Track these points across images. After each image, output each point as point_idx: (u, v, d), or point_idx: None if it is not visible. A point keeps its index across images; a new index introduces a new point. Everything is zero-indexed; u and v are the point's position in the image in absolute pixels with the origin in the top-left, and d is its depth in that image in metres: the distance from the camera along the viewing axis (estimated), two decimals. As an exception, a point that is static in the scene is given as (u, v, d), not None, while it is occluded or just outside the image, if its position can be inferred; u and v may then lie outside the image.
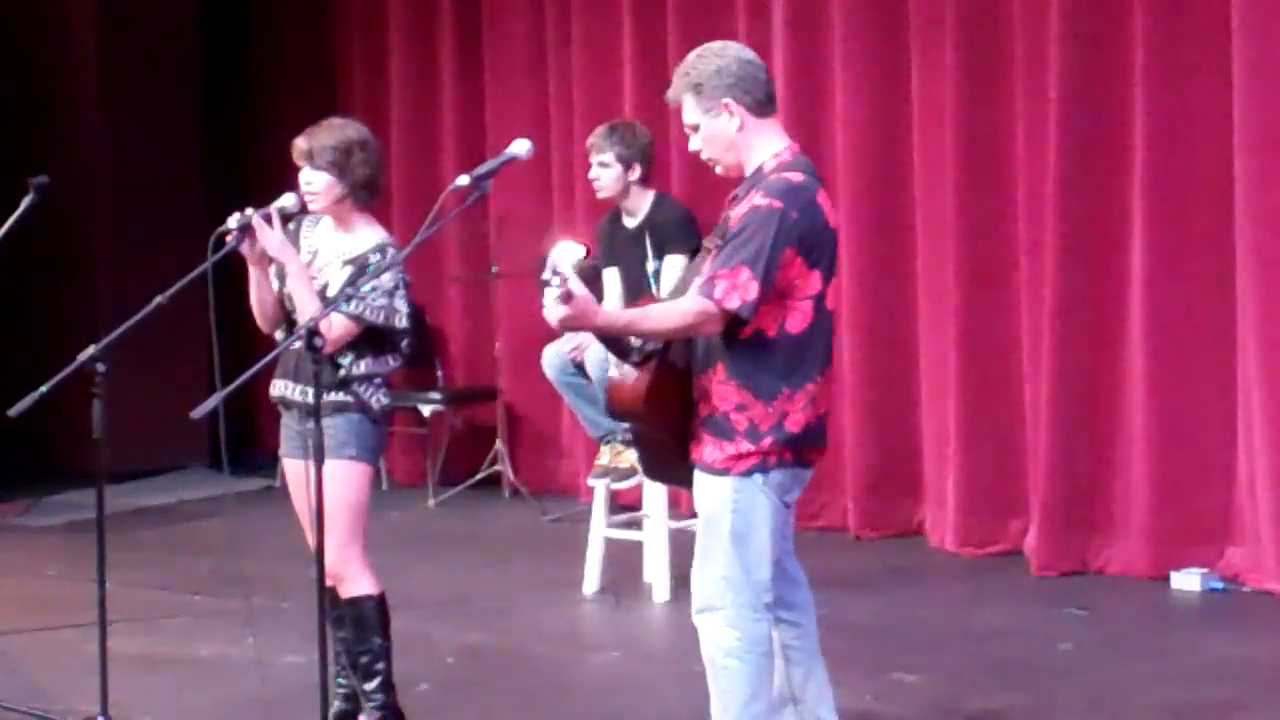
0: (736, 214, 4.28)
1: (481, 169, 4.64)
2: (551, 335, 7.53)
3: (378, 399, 5.08)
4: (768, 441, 4.27)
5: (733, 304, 4.16)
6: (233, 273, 5.11)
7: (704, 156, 4.44)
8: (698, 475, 4.39)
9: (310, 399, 4.90)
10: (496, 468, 9.33)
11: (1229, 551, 7.05)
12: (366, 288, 4.95)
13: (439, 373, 9.75)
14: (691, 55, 4.42)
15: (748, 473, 4.29)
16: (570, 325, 4.19)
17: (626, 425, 4.69)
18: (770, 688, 4.45)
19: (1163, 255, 7.10)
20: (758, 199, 4.24)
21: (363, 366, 5.05)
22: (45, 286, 10.21)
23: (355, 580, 5.09)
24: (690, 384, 4.37)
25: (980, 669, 6.05)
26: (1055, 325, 7.29)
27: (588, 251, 4.20)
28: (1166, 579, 7.05)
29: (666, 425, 4.40)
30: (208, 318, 4.96)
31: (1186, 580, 6.99)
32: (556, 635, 6.70)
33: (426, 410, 9.33)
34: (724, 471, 4.30)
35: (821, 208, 4.31)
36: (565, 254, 4.07)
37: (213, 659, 6.35)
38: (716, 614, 4.36)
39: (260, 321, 5.16)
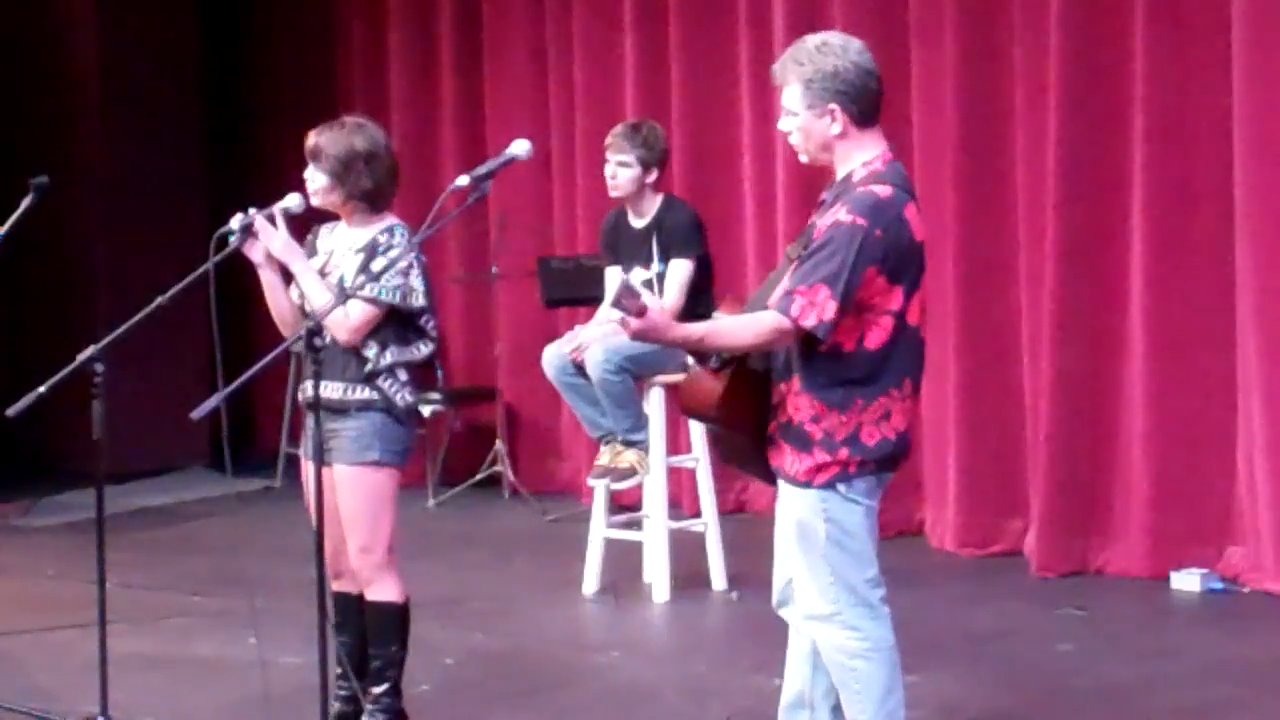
0: (822, 225, 4.23)
1: (481, 169, 4.65)
2: (552, 336, 7.55)
3: (403, 396, 5.04)
4: (844, 452, 4.25)
5: (809, 322, 4.13)
6: (234, 273, 5.11)
7: (793, 141, 4.38)
8: (782, 485, 4.36)
9: (337, 395, 4.90)
10: (496, 468, 9.33)
11: (1229, 551, 7.05)
12: (379, 266, 4.93)
13: (439, 373, 9.74)
14: (811, 43, 4.34)
15: (829, 484, 4.27)
16: (645, 339, 4.19)
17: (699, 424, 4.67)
18: (902, 682, 4.41)
19: (1162, 255, 7.10)
20: (842, 214, 4.19)
21: (389, 356, 5.00)
22: (45, 287, 10.21)
23: (380, 585, 5.09)
24: (769, 387, 4.34)
25: (980, 669, 6.05)
26: (1055, 325, 7.29)
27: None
28: (1166, 579, 7.05)
29: (741, 429, 4.38)
30: (208, 318, 4.96)
31: (1186, 580, 6.98)
32: (556, 635, 6.70)
33: (426, 411, 9.30)
34: (807, 483, 4.28)
35: (909, 222, 4.28)
36: (635, 277, 4.12)
37: (213, 659, 6.35)
38: (834, 620, 4.34)
39: (280, 327, 5.13)
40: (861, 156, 4.31)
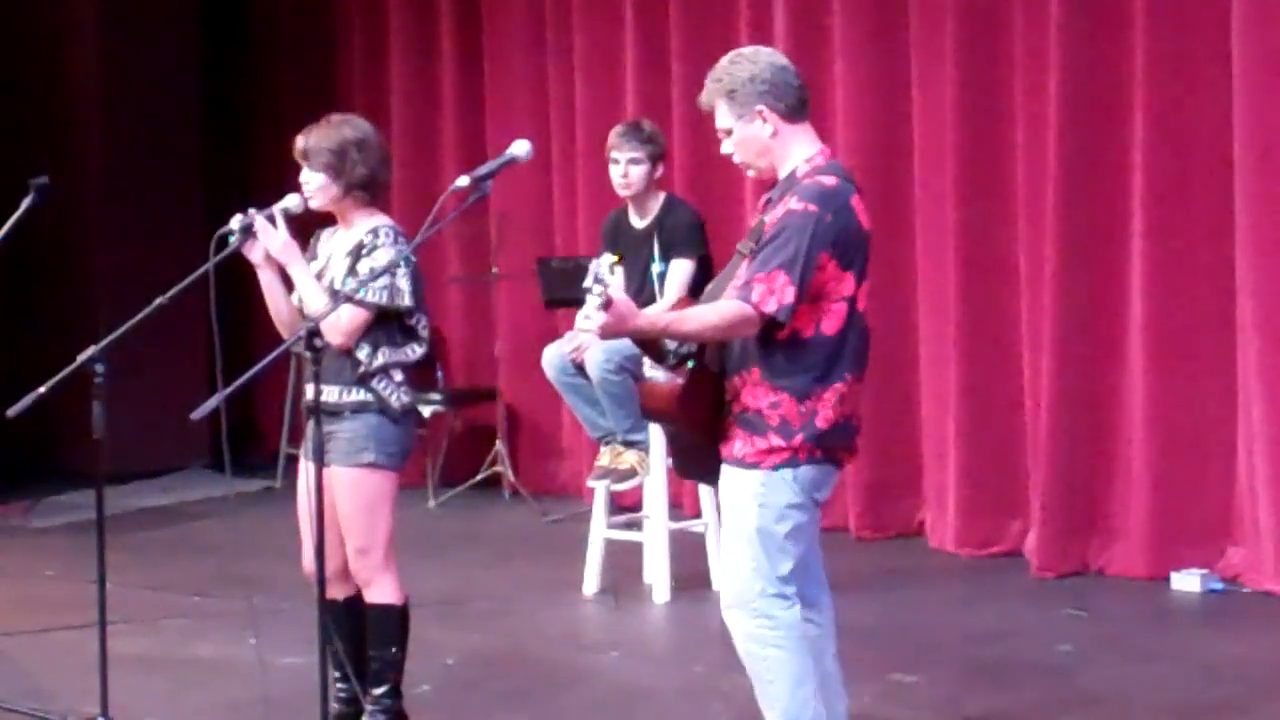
0: (772, 218, 4.34)
1: (481, 170, 4.65)
2: (551, 336, 7.55)
3: (398, 397, 5.04)
4: (799, 438, 4.34)
5: (770, 308, 4.22)
6: (234, 274, 5.11)
7: (737, 160, 4.49)
8: (725, 469, 4.43)
9: (333, 397, 4.90)
10: (496, 468, 9.33)
11: (1229, 552, 7.05)
12: (364, 268, 4.93)
13: (439, 373, 9.75)
14: (724, 60, 4.47)
15: (777, 468, 4.35)
16: (612, 330, 4.24)
17: (659, 425, 4.74)
18: (814, 673, 4.47)
19: (1163, 255, 7.10)
20: (793, 203, 4.31)
21: (381, 358, 5.01)
22: (45, 287, 10.22)
23: (378, 587, 5.09)
24: (723, 386, 4.41)
25: (980, 670, 6.05)
26: (1055, 326, 7.29)
27: (619, 259, 4.26)
28: (1166, 579, 7.05)
29: (699, 427, 4.45)
30: (208, 318, 4.96)
31: (1186, 580, 6.99)
32: (556, 635, 6.70)
33: (426, 411, 9.30)
34: (754, 465, 4.36)
35: (855, 210, 4.37)
36: (604, 261, 4.14)
37: (213, 659, 6.35)
38: (746, 607, 4.40)
39: (279, 327, 5.13)
40: (801, 153, 4.43)
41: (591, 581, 7.21)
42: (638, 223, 6.95)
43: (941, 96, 7.71)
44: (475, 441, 9.61)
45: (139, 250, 9.72)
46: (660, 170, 6.94)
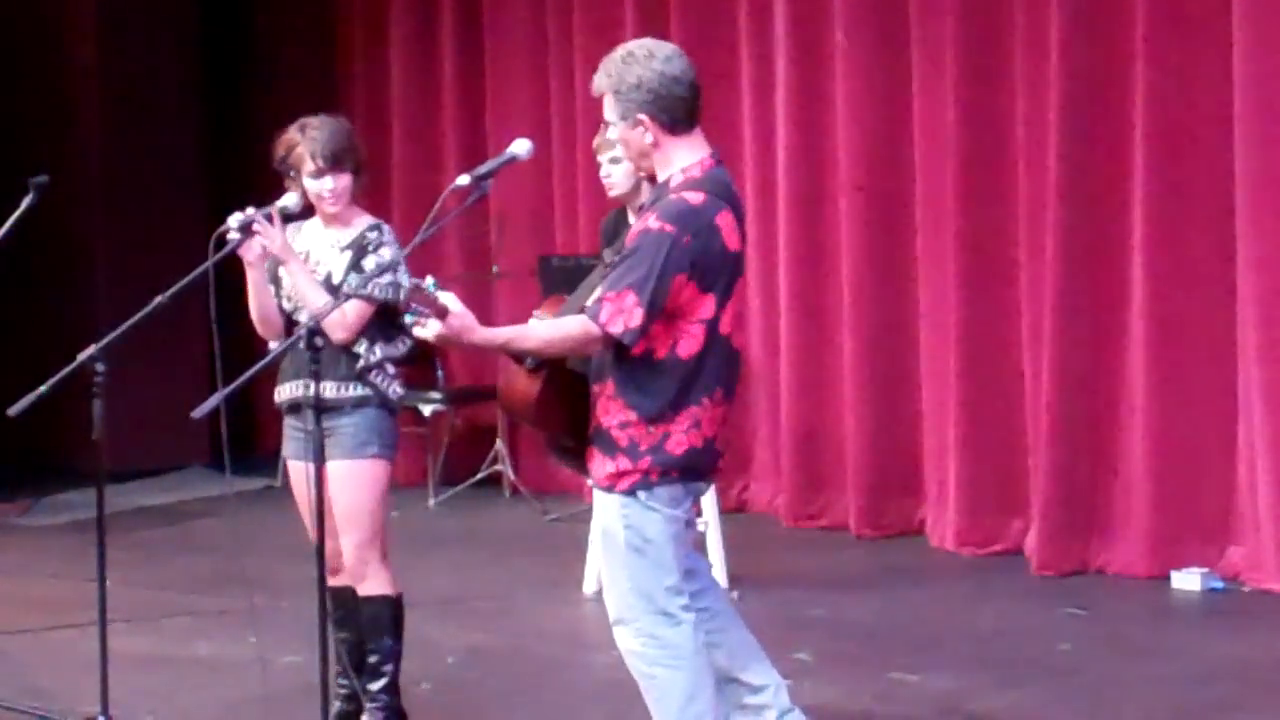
0: (633, 232, 4.27)
1: (481, 169, 4.64)
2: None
3: (394, 390, 5.09)
4: (646, 461, 4.25)
5: (616, 329, 4.14)
6: (234, 273, 5.10)
7: (618, 153, 4.47)
8: (594, 489, 4.40)
9: (331, 393, 4.90)
10: (497, 467, 9.33)
11: (1229, 551, 7.05)
12: (371, 265, 4.96)
13: (439, 372, 9.74)
14: (618, 53, 4.34)
15: (631, 490, 4.28)
16: (448, 343, 4.17)
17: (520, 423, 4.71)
18: (709, 685, 4.42)
19: (1163, 255, 7.10)
20: (651, 221, 4.20)
21: (378, 352, 5.04)
22: (45, 286, 10.21)
23: (374, 579, 5.10)
24: (587, 388, 4.36)
25: (980, 669, 6.05)
26: (1055, 325, 7.29)
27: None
28: (1166, 579, 7.05)
29: (559, 428, 4.42)
30: (208, 318, 4.96)
31: (1186, 580, 6.98)
32: (556, 635, 6.70)
33: (427, 410, 9.32)
34: (609, 488, 4.31)
35: (720, 230, 4.24)
36: (428, 281, 4.07)
37: (213, 659, 6.35)
38: (630, 626, 4.37)
39: (261, 328, 5.14)
40: (680, 162, 4.31)
41: (592, 580, 7.20)
42: (635, 222, 6.94)
43: (942, 97, 7.71)
44: (475, 440, 9.61)
45: (139, 250, 9.72)
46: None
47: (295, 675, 5.61)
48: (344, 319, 4.92)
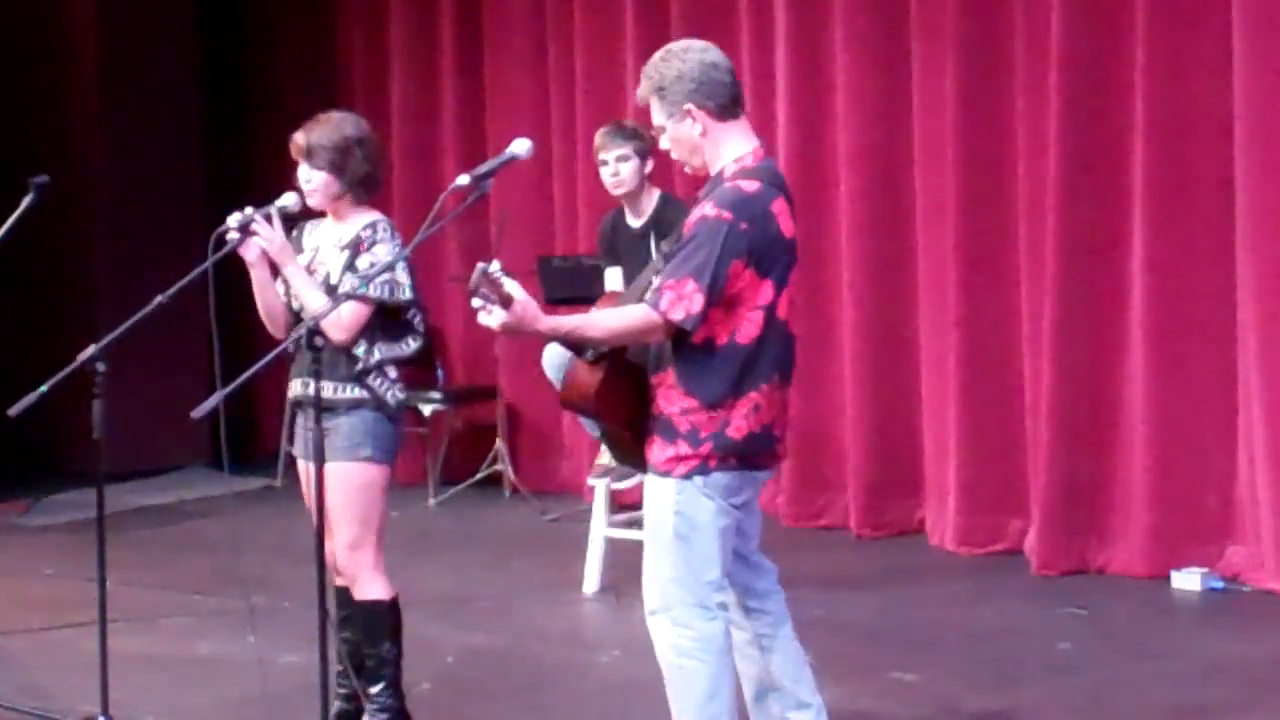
0: (690, 221, 4.29)
1: (481, 168, 4.64)
2: (552, 335, 7.53)
3: (393, 394, 5.04)
4: (707, 446, 4.28)
5: (676, 315, 4.18)
6: (233, 273, 5.11)
7: (673, 156, 4.46)
8: (647, 475, 4.42)
9: (328, 394, 4.89)
10: (497, 467, 9.33)
11: (1229, 551, 7.05)
12: (365, 264, 4.93)
13: (439, 372, 9.75)
14: (656, 56, 4.41)
15: (688, 475, 4.30)
16: (512, 330, 4.21)
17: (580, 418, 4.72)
18: (729, 687, 4.44)
19: (1163, 255, 7.10)
20: (708, 209, 4.25)
21: (378, 353, 5.01)
22: (45, 286, 10.21)
23: (368, 583, 5.07)
24: (645, 380, 4.38)
25: (980, 669, 6.05)
26: (1055, 325, 7.29)
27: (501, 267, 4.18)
28: (1166, 579, 7.05)
29: (619, 420, 4.42)
30: (208, 318, 4.95)
31: (1186, 580, 6.98)
32: (556, 635, 6.71)
33: (427, 410, 9.32)
34: (666, 473, 4.33)
35: (775, 217, 4.30)
36: (494, 265, 4.10)
37: (213, 659, 6.35)
38: (666, 615, 4.37)
39: (269, 326, 5.14)
40: (732, 152, 4.37)
41: (592, 580, 7.21)
42: (634, 222, 6.94)
43: (942, 97, 7.71)
44: (475, 440, 9.61)
45: (139, 250, 9.73)
46: (650, 166, 6.90)
47: (295, 675, 5.60)
48: (340, 320, 4.89)
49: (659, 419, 4.33)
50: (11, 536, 8.82)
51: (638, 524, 7.27)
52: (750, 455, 4.34)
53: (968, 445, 7.69)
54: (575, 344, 4.36)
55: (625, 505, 7.67)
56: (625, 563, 7.23)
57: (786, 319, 4.36)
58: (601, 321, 4.31)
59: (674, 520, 4.32)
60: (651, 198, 6.93)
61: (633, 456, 4.51)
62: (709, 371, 4.27)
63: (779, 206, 4.32)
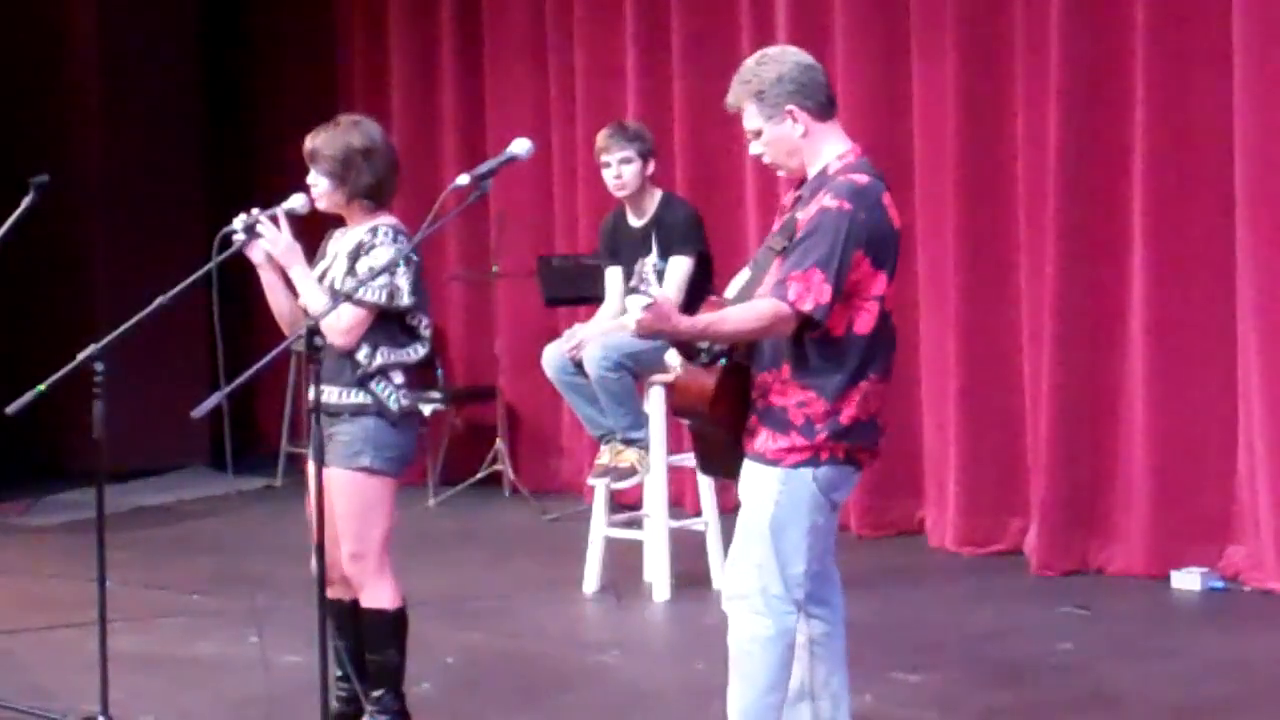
0: (805, 215, 4.31)
1: (481, 168, 4.65)
2: (551, 334, 7.55)
3: (397, 400, 4.99)
4: (821, 436, 4.31)
5: (807, 306, 4.20)
6: (235, 273, 5.11)
7: (766, 160, 4.48)
8: (746, 464, 4.42)
9: (332, 399, 4.89)
10: (496, 467, 9.33)
11: (1229, 550, 7.05)
12: (363, 267, 4.92)
13: (439, 372, 9.75)
14: (751, 61, 4.45)
15: (797, 466, 4.33)
16: (650, 329, 4.22)
17: (689, 423, 4.72)
18: (787, 683, 4.46)
19: (1163, 255, 7.10)
20: (827, 200, 4.28)
21: (380, 358, 4.97)
22: (45, 286, 10.21)
23: (373, 591, 5.05)
24: (751, 383, 4.40)
25: (980, 668, 6.05)
26: (1055, 325, 7.29)
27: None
28: (1166, 578, 7.05)
29: (730, 425, 4.43)
30: (208, 318, 4.95)
31: (1186, 580, 6.98)
32: (556, 635, 6.71)
33: (426, 410, 9.30)
34: (775, 462, 4.34)
35: (886, 208, 4.36)
36: (649, 263, 4.17)
37: (213, 658, 6.35)
38: (746, 601, 4.39)
39: (283, 328, 5.12)
40: (833, 150, 4.43)
41: (592, 580, 7.21)
42: (635, 222, 6.95)
43: (942, 97, 7.71)
44: (475, 440, 9.61)
45: (139, 250, 9.73)
46: (651, 167, 6.92)
47: (296, 675, 5.60)
48: (337, 323, 4.86)
49: (769, 410, 4.35)
50: (11, 536, 8.82)
51: (637, 524, 7.29)
52: (856, 445, 4.37)
53: (968, 445, 7.69)
54: (688, 349, 4.38)
55: (625, 505, 7.68)
56: (625, 563, 7.25)
57: (890, 311, 4.40)
58: (733, 318, 4.30)
59: (773, 509, 4.35)
60: (653, 198, 6.94)
61: (721, 463, 4.54)
62: (828, 363, 4.30)
63: (887, 199, 4.38)
